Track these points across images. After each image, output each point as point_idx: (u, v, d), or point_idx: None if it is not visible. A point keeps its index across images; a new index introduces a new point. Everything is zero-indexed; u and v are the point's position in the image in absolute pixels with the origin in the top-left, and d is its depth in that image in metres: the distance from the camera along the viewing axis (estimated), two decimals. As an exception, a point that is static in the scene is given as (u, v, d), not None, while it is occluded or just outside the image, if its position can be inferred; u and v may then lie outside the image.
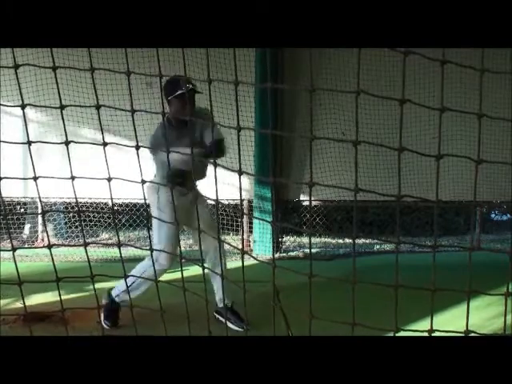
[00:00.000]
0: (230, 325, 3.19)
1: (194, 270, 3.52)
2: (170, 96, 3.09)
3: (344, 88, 5.57)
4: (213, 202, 3.69)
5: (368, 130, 5.76)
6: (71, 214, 6.78)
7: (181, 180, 3.04)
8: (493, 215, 9.73)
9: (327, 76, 5.89)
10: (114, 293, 3.33)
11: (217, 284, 3.35)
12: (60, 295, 1.51)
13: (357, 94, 1.11)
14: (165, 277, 4.51)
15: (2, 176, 1.39)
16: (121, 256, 1.57)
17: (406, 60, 1.10)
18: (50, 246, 1.48)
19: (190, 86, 3.02)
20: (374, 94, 1.10)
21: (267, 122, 5.68)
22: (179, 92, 3.04)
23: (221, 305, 3.36)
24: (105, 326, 3.24)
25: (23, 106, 1.37)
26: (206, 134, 3.23)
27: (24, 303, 1.56)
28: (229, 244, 1.66)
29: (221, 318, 3.35)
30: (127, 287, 3.09)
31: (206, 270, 1.61)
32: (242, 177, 1.33)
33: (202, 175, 3.39)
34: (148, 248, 1.62)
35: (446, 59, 1.11)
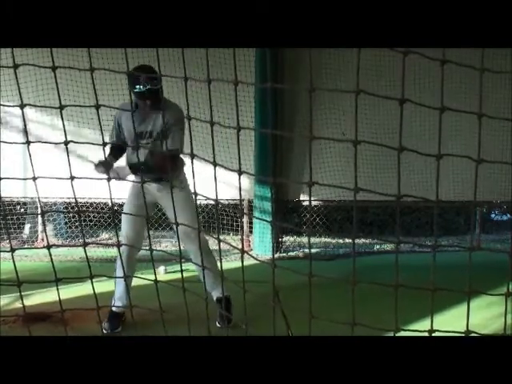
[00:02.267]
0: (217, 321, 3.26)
1: (194, 270, 3.52)
2: (130, 90, 2.96)
3: (344, 88, 5.57)
4: (212, 202, 3.67)
5: (368, 129, 5.75)
6: (71, 214, 6.77)
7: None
8: (493, 215, 9.72)
9: (327, 76, 5.88)
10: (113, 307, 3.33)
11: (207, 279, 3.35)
12: (59, 296, 1.51)
13: (356, 93, 1.11)
14: (165, 277, 4.52)
15: (2, 176, 1.39)
16: (120, 256, 1.57)
17: (407, 60, 1.10)
18: (49, 247, 1.48)
19: (148, 86, 2.90)
20: (374, 94, 1.10)
21: (267, 122, 5.68)
22: (136, 90, 2.93)
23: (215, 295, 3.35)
24: (105, 330, 3.23)
25: (22, 106, 1.36)
26: (171, 132, 3.08)
27: (23, 304, 1.56)
28: (229, 244, 1.66)
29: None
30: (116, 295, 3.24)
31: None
32: (241, 177, 1.33)
33: (165, 168, 3.18)
34: (148, 248, 1.62)
35: (446, 59, 1.11)
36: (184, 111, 3.20)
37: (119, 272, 3.27)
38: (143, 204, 3.07)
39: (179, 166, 3.33)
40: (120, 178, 2.97)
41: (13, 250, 1.43)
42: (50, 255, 1.50)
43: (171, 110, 3.10)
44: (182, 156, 3.34)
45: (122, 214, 3.37)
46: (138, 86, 2.92)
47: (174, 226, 3.25)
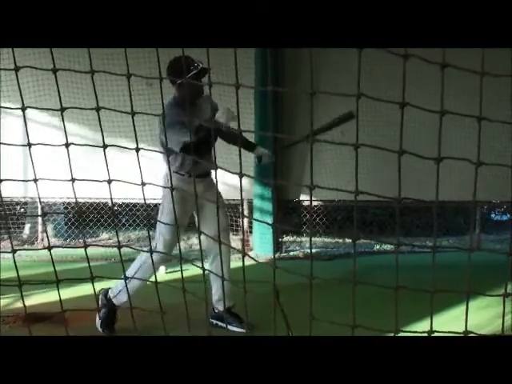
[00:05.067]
0: (231, 328, 3.17)
1: (194, 271, 3.52)
2: (185, 77, 2.88)
3: (344, 89, 5.56)
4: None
5: (369, 129, 5.74)
6: (71, 214, 6.77)
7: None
8: (493, 215, 9.72)
9: (327, 76, 5.87)
10: (111, 294, 3.23)
11: (216, 285, 3.31)
12: (60, 296, 1.51)
13: (357, 97, 1.11)
14: (165, 277, 4.51)
15: (2, 178, 1.39)
16: (121, 257, 1.57)
17: (408, 61, 1.10)
18: (49, 248, 1.48)
19: (202, 65, 2.94)
20: (375, 98, 1.10)
21: (267, 123, 5.67)
22: (196, 69, 2.92)
23: (219, 307, 3.29)
24: (102, 332, 3.16)
25: (24, 108, 1.37)
26: (219, 114, 3.09)
27: (24, 304, 1.56)
28: (228, 245, 1.65)
29: (220, 324, 3.28)
30: (126, 287, 3.09)
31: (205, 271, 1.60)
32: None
33: (211, 162, 3.23)
34: (148, 250, 1.62)
35: (446, 62, 1.11)
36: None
37: (139, 274, 3.08)
38: (187, 210, 3.03)
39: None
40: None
41: (14, 251, 1.43)
42: (51, 256, 1.50)
43: (208, 97, 3.12)
44: None
45: (164, 225, 3.11)
46: (196, 65, 2.92)
47: (206, 227, 3.14)
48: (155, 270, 3.01)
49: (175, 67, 2.92)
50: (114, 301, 3.22)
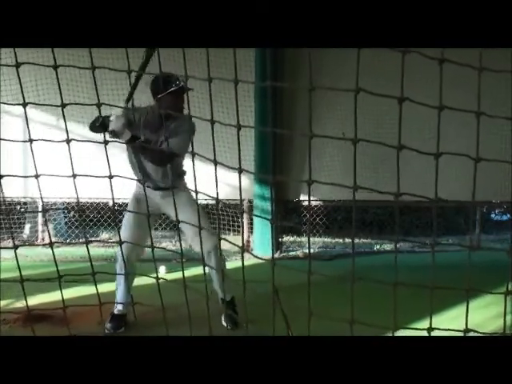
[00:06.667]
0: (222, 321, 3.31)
1: (194, 270, 3.52)
2: (162, 93, 3.02)
3: (344, 86, 5.55)
4: (212, 202, 3.65)
5: (369, 128, 5.73)
6: (71, 214, 6.77)
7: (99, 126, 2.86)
8: (493, 215, 9.73)
9: (327, 74, 5.87)
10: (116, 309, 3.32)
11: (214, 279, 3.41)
12: (61, 291, 1.51)
13: (356, 92, 1.12)
14: (166, 277, 4.51)
15: (4, 175, 1.39)
16: (122, 255, 1.57)
17: (407, 57, 1.10)
18: (51, 244, 1.48)
19: (181, 84, 3.02)
20: (373, 93, 1.11)
21: (267, 122, 5.68)
22: (173, 88, 3.02)
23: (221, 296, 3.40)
24: (107, 330, 3.18)
25: (25, 105, 1.37)
26: (178, 134, 3.12)
27: (26, 301, 1.56)
28: (229, 242, 1.66)
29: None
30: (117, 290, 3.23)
31: (206, 270, 1.61)
32: (241, 177, 1.33)
33: (167, 176, 3.27)
34: (149, 246, 1.63)
35: (444, 58, 1.12)
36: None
37: (119, 275, 3.22)
38: (145, 215, 3.09)
39: (181, 174, 3.35)
40: (116, 133, 2.82)
41: (16, 247, 1.44)
42: (53, 251, 1.50)
43: (186, 119, 3.11)
44: (184, 168, 3.37)
45: (123, 222, 3.31)
46: (177, 82, 3.02)
47: (184, 229, 3.25)
48: (126, 265, 3.09)
49: (156, 83, 3.08)
50: (116, 312, 3.30)
